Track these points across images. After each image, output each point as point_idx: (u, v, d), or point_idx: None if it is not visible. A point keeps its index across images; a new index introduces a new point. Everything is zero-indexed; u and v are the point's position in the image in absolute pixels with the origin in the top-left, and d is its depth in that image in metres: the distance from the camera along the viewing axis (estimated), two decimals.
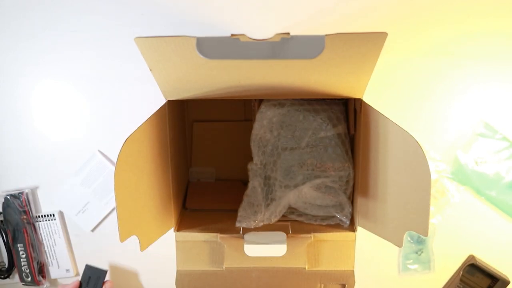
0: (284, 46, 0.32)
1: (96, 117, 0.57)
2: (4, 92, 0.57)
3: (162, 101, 0.43)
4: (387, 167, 0.40)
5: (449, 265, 0.59)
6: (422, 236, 0.44)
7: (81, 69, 0.55)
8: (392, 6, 0.51)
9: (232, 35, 0.31)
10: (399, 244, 0.40)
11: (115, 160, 0.58)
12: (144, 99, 0.56)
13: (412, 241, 0.58)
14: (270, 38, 0.31)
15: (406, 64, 0.53)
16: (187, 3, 0.52)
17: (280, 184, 0.48)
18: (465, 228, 0.57)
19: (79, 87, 0.56)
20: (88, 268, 0.57)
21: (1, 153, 0.58)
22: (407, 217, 0.38)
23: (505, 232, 0.57)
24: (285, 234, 0.48)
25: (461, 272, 0.58)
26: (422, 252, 0.58)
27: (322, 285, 0.48)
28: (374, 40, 0.32)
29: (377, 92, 0.54)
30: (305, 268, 0.49)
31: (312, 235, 0.47)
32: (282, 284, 0.50)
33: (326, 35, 0.30)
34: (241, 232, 0.49)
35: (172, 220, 0.48)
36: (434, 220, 0.57)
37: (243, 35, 0.31)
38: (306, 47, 0.32)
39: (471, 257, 0.58)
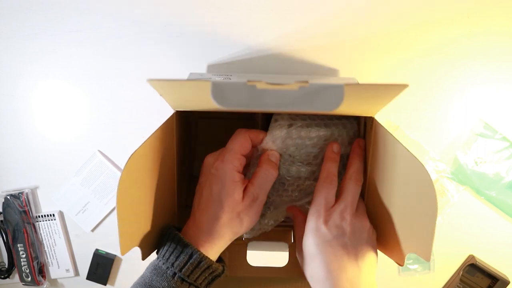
0: (302, 96, 0.31)
1: (96, 117, 0.57)
2: (4, 92, 0.57)
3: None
4: (394, 190, 0.39)
5: (449, 265, 0.59)
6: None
7: (81, 69, 0.55)
8: (392, 6, 0.51)
9: (249, 81, 0.30)
10: (400, 263, 0.40)
11: (115, 160, 0.58)
12: (145, 98, 0.56)
13: None
14: (288, 85, 0.30)
15: (406, 64, 0.53)
16: (187, 3, 0.52)
17: (279, 194, 0.47)
18: (465, 228, 0.57)
19: (79, 87, 0.56)
20: (97, 255, 0.58)
21: (1, 153, 0.59)
22: (411, 240, 0.38)
23: (505, 232, 0.57)
24: (287, 244, 0.48)
25: (461, 272, 0.58)
26: None
27: None
28: (392, 89, 0.32)
29: None
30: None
31: None
32: None
33: (345, 84, 0.30)
34: (243, 239, 0.49)
35: None
36: None
37: (260, 81, 0.30)
38: (324, 98, 0.31)
39: (471, 257, 0.58)
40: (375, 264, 0.42)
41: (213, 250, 0.42)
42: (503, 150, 0.54)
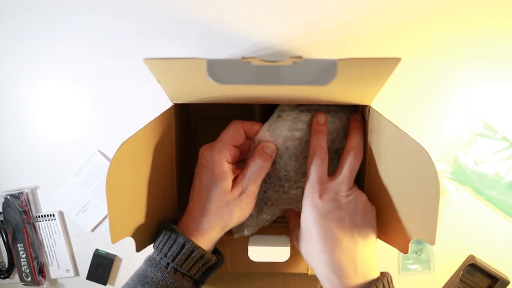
0: (296, 71, 0.31)
1: (96, 117, 0.57)
2: (4, 92, 0.57)
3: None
4: (395, 176, 0.39)
5: (449, 265, 0.59)
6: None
7: (81, 69, 0.55)
8: (392, 6, 0.51)
9: (243, 58, 0.30)
10: (404, 251, 0.40)
11: None
12: (145, 98, 0.56)
13: (412, 242, 0.58)
14: (282, 61, 0.30)
15: (406, 64, 0.53)
16: (187, 3, 0.52)
17: (276, 189, 0.47)
18: (465, 228, 0.57)
19: (79, 87, 0.56)
20: (97, 255, 0.58)
21: (1, 153, 0.59)
22: (414, 225, 0.38)
23: (505, 232, 0.57)
24: (289, 238, 0.48)
25: (461, 272, 0.58)
26: (422, 252, 0.58)
27: None
28: (387, 64, 0.32)
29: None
30: (307, 273, 0.49)
31: None
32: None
33: (339, 59, 0.30)
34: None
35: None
36: None
37: (254, 58, 0.30)
38: (318, 72, 0.31)
39: (471, 257, 0.58)
40: (374, 238, 0.41)
41: (205, 241, 0.42)
42: (503, 150, 0.54)
